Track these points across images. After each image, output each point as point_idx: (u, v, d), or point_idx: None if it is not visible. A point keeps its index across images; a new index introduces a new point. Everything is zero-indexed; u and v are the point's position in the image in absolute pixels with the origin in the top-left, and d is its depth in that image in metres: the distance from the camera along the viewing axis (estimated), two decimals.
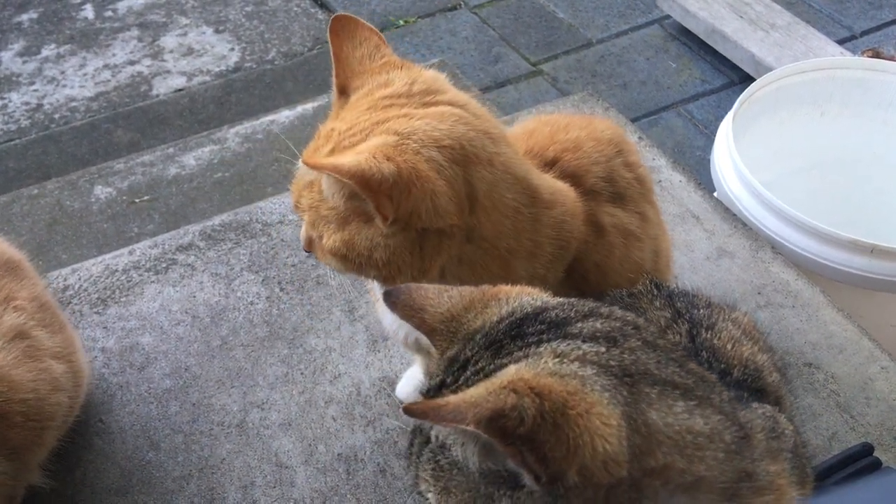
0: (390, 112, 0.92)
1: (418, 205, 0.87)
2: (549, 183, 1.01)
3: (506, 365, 0.67)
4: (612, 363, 0.66)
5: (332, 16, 1.00)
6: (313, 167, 0.88)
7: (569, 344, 0.67)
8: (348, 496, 1.18)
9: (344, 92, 0.99)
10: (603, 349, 0.67)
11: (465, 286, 0.79)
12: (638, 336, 0.71)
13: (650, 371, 0.67)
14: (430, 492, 0.69)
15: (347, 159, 0.86)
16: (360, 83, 0.97)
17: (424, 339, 0.98)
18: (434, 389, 0.71)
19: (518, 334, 0.70)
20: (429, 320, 0.75)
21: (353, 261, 0.92)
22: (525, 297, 0.76)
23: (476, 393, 0.62)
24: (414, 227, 0.88)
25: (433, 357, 0.76)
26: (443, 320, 0.75)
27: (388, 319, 1.04)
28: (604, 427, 0.61)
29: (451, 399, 0.61)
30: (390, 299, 0.77)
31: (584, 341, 0.68)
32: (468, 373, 0.69)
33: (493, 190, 0.92)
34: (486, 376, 0.67)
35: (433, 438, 0.69)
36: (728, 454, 0.67)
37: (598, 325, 0.70)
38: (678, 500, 0.65)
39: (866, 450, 1.15)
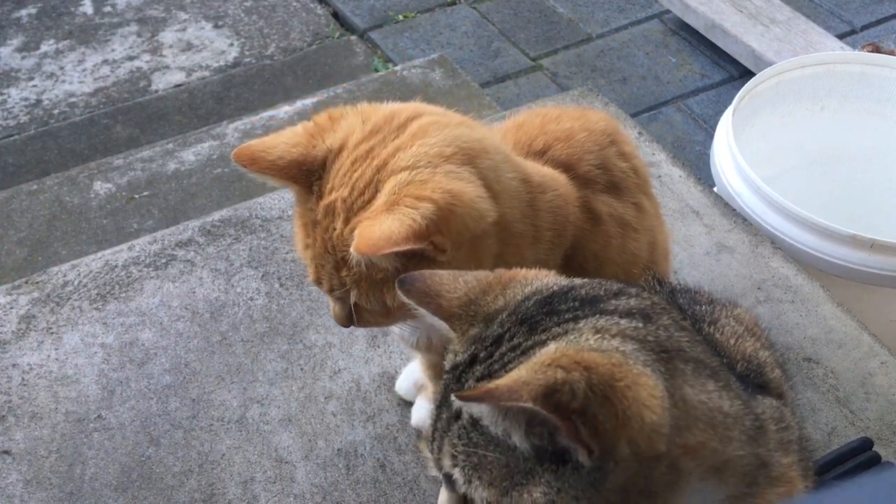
0: (380, 153, 0.88)
1: (464, 219, 0.85)
2: (538, 169, 1.01)
3: (544, 341, 0.68)
4: (650, 338, 0.67)
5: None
6: (372, 252, 0.81)
7: (607, 319, 0.69)
8: (348, 491, 1.18)
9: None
10: (640, 324, 0.69)
11: (480, 270, 0.80)
12: (668, 315, 0.72)
13: (683, 348, 0.69)
14: (456, 467, 0.69)
15: (387, 227, 0.80)
16: (321, 147, 0.91)
17: (436, 336, 0.98)
18: (464, 364, 0.72)
19: (552, 311, 0.71)
20: (446, 305, 0.76)
21: None
22: (543, 278, 0.78)
23: (523, 372, 0.63)
24: (465, 239, 0.87)
25: (453, 338, 0.76)
26: (461, 305, 0.76)
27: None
28: (650, 397, 0.62)
29: (501, 381, 0.62)
30: (404, 287, 0.77)
31: (620, 317, 0.69)
32: (503, 348, 0.70)
33: (499, 174, 0.92)
34: (524, 352, 0.68)
35: (464, 414, 0.69)
36: (749, 439, 0.70)
37: (631, 302, 0.72)
38: (708, 481, 0.67)
39: (866, 445, 1.15)
